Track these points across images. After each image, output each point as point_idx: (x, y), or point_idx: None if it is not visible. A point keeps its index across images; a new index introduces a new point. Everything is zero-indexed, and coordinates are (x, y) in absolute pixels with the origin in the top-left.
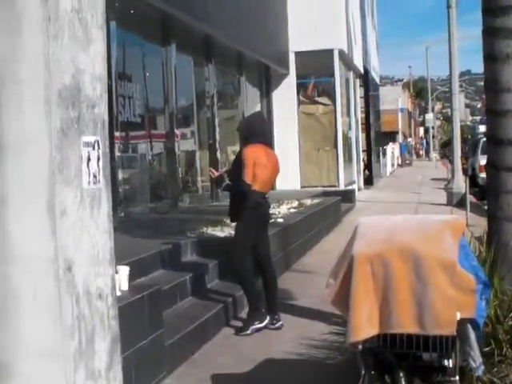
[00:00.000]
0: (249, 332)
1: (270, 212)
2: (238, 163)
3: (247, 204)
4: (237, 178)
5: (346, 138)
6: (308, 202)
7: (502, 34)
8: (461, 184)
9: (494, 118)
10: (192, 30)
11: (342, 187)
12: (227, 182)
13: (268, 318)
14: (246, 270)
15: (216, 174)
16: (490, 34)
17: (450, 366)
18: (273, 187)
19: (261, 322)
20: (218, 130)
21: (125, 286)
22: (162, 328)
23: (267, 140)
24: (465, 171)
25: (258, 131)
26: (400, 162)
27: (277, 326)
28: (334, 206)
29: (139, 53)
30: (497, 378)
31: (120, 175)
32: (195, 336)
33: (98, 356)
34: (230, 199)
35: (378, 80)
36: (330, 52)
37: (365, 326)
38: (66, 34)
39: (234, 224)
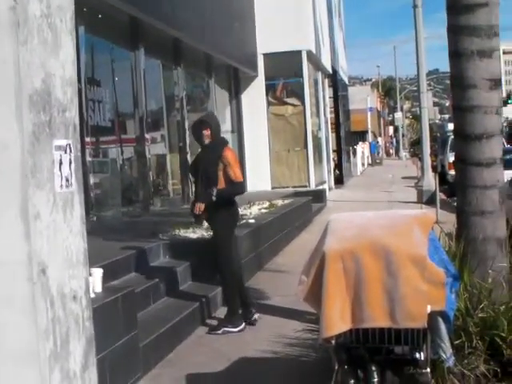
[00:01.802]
0: (219, 332)
1: (241, 212)
2: (217, 167)
3: (230, 204)
4: (215, 179)
5: (316, 138)
6: (279, 202)
7: (466, 31)
8: (431, 182)
9: (461, 114)
10: (160, 34)
11: (312, 187)
12: (213, 197)
13: (243, 325)
14: (231, 274)
15: (201, 208)
16: (455, 31)
17: (422, 358)
18: None
19: (234, 327)
20: (188, 133)
21: (98, 288)
22: (137, 329)
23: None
24: (434, 169)
25: (220, 132)
26: (370, 161)
27: (252, 319)
28: (305, 206)
29: (108, 57)
30: (467, 369)
31: (91, 180)
32: (170, 336)
33: (73, 357)
34: (209, 203)
35: (346, 80)
36: (298, 53)
37: (337, 322)
38: (35, 39)
39: (205, 226)
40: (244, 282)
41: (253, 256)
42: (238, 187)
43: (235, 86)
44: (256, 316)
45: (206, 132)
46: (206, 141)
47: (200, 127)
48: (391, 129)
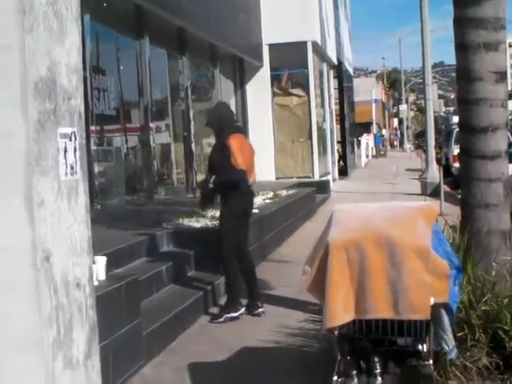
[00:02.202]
0: (222, 320)
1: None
2: (221, 155)
3: (237, 192)
4: (220, 169)
5: (321, 130)
6: (283, 192)
7: (473, 23)
8: (435, 174)
9: (466, 107)
10: (165, 23)
11: (316, 178)
12: (210, 185)
13: (243, 309)
14: (233, 261)
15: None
16: (461, 23)
17: (424, 350)
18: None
19: (235, 312)
20: (192, 122)
21: (102, 276)
22: (140, 317)
23: (235, 127)
24: (438, 161)
25: (231, 120)
26: (374, 153)
27: (256, 312)
28: (309, 196)
29: (113, 46)
30: (469, 362)
31: (96, 168)
32: (173, 325)
33: (76, 345)
34: (206, 189)
35: (351, 71)
36: (304, 44)
37: (341, 312)
38: (41, 26)
39: (209, 215)
40: (255, 273)
41: (256, 246)
42: (235, 174)
43: (240, 76)
44: (261, 310)
45: (215, 130)
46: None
47: (208, 118)
48: (396, 121)
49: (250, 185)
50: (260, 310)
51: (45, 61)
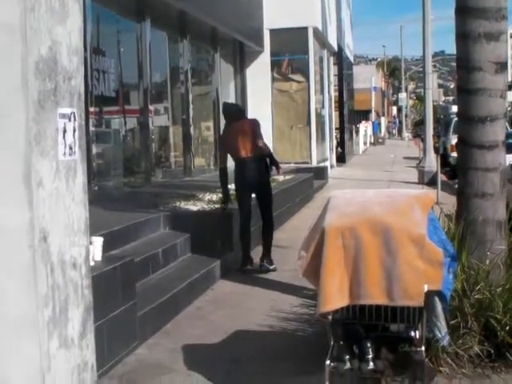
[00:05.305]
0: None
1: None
2: None
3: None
4: None
5: (319, 116)
6: (280, 178)
7: (474, 13)
8: (433, 163)
9: (465, 96)
10: (167, 6)
11: (314, 164)
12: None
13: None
14: (242, 228)
15: None
16: (463, 13)
17: (417, 336)
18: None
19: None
20: (191, 105)
21: (98, 257)
22: (135, 299)
23: (233, 117)
24: (436, 150)
25: (225, 116)
26: (373, 141)
27: (263, 268)
28: (307, 182)
29: (114, 28)
30: (461, 349)
31: (94, 149)
32: (167, 307)
33: (72, 324)
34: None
35: (351, 58)
36: (305, 30)
37: (335, 297)
38: (42, 6)
39: (206, 198)
40: (270, 234)
41: (253, 230)
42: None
43: (240, 60)
44: (272, 267)
45: None
46: None
47: None
48: (395, 109)
49: (242, 160)
50: (272, 266)
51: (46, 41)
